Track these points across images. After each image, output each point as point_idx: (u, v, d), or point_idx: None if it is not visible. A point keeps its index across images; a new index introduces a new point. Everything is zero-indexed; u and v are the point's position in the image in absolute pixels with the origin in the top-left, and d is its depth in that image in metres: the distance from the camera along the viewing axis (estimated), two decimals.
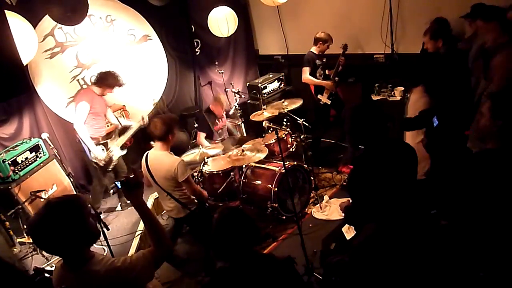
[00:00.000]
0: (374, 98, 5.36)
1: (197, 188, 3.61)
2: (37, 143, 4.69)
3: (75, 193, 4.88)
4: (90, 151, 4.61)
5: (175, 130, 3.56)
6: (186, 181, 3.45)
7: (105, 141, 4.74)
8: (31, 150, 4.60)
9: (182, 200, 3.54)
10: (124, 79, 4.81)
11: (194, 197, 3.61)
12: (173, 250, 4.14)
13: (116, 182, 5.06)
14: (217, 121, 5.26)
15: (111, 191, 5.57)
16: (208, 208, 3.81)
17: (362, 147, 2.41)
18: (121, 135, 4.93)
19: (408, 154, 2.47)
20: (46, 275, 2.45)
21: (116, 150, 4.81)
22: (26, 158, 4.52)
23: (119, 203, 5.30)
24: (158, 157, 3.49)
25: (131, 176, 1.98)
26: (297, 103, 4.79)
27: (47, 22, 4.89)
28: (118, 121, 5.08)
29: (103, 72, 4.68)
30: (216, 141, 5.21)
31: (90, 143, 4.54)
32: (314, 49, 5.22)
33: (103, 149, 4.67)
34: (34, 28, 4.28)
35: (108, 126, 5.02)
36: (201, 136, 5.12)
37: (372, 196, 2.31)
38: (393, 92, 5.23)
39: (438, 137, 2.17)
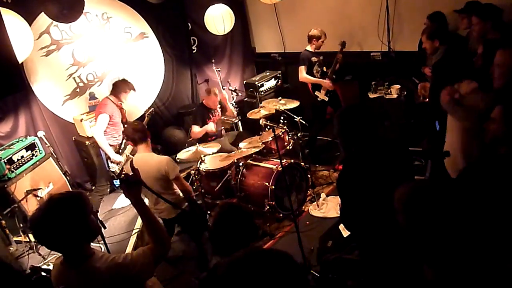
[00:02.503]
0: (371, 96, 5.37)
1: (187, 184, 3.63)
2: (33, 142, 4.67)
3: (77, 190, 4.87)
4: (108, 159, 4.65)
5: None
6: (177, 177, 3.45)
7: (117, 149, 4.75)
8: (27, 148, 4.58)
9: (173, 200, 3.52)
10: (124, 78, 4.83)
11: (182, 195, 3.61)
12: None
13: (115, 181, 5.09)
14: (210, 115, 5.20)
15: (108, 190, 5.55)
16: (196, 202, 3.82)
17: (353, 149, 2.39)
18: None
19: (401, 154, 2.46)
20: (43, 273, 2.44)
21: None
22: (22, 157, 4.50)
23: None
24: (145, 159, 3.45)
25: (130, 174, 1.97)
26: (294, 103, 4.80)
27: (42, 19, 4.87)
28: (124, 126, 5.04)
29: (115, 81, 4.78)
30: (213, 137, 5.20)
31: (109, 151, 4.56)
32: (310, 47, 5.24)
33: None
34: (30, 25, 4.26)
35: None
36: (195, 128, 5.07)
37: (361, 197, 2.29)
38: (389, 90, 5.24)
39: (440, 142, 2.11)
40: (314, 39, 5.14)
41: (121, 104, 5.07)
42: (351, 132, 2.33)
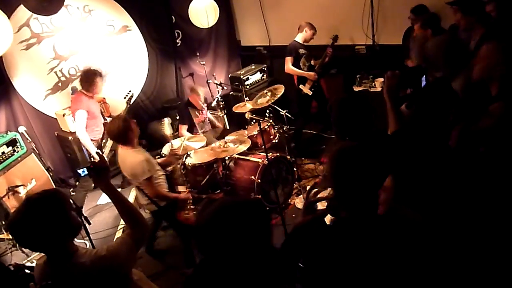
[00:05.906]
0: (356, 89, 5.40)
1: (159, 191, 3.49)
2: (14, 137, 4.58)
3: (54, 187, 4.80)
4: (91, 156, 4.60)
5: (132, 127, 3.42)
6: (147, 180, 3.37)
7: (99, 143, 4.68)
8: (8, 144, 4.49)
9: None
10: (103, 70, 4.71)
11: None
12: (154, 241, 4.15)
13: (79, 170, 5.00)
14: (197, 113, 5.19)
15: (92, 185, 5.48)
16: (172, 211, 3.70)
17: (348, 138, 2.41)
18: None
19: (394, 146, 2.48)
20: (26, 271, 2.41)
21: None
22: (3, 153, 4.41)
23: None
24: (124, 155, 3.46)
25: (96, 161, 1.96)
26: (280, 89, 4.74)
27: (22, 12, 4.75)
28: (104, 118, 4.98)
29: (83, 73, 4.61)
30: (198, 134, 5.17)
31: (92, 149, 4.51)
32: (299, 38, 5.23)
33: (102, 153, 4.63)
34: (9, 18, 4.15)
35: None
36: (183, 128, 5.08)
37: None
38: (374, 83, 5.29)
39: (423, 101, 1.97)
40: (309, 29, 5.15)
41: (104, 99, 5.01)
42: (349, 120, 2.34)
